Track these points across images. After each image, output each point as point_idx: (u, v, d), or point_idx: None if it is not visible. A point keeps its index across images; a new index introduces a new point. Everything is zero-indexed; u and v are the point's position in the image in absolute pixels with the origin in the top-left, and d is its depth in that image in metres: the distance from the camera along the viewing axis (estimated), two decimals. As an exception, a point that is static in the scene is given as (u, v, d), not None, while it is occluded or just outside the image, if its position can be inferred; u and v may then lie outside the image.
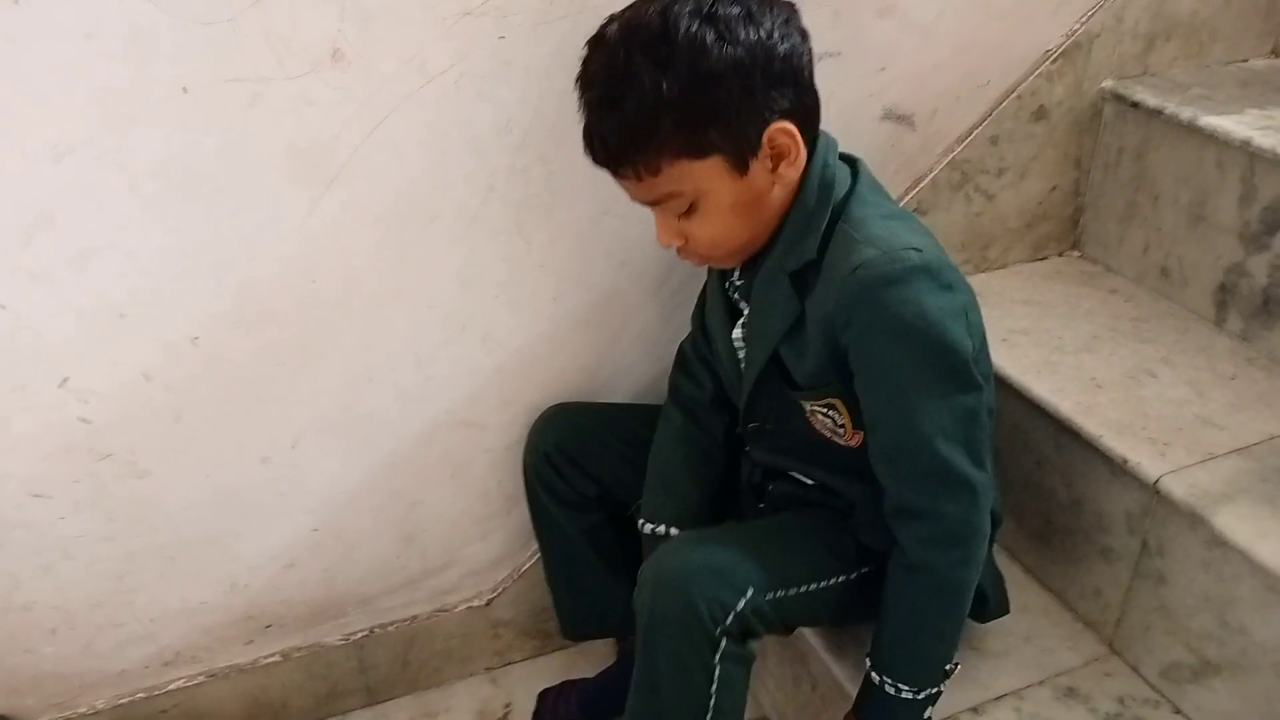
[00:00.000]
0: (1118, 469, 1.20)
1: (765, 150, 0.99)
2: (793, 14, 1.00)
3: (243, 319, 1.23)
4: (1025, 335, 1.41)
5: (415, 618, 1.58)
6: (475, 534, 1.55)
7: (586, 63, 1.00)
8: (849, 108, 1.37)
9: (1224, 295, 1.38)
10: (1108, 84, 1.49)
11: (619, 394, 1.49)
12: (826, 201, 1.04)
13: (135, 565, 1.35)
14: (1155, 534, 1.17)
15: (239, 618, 1.46)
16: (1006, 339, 1.40)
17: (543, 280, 1.35)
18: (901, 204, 1.48)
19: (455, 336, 1.34)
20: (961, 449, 1.03)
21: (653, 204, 1.04)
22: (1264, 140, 1.27)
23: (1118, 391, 1.29)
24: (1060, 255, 1.62)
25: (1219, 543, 1.08)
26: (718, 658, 1.06)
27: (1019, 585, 1.38)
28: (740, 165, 0.99)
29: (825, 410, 1.11)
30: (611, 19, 1.00)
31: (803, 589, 1.13)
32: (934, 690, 1.11)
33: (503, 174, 1.25)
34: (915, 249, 0.98)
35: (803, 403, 1.13)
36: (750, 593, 1.06)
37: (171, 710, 1.48)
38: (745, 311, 1.16)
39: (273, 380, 1.29)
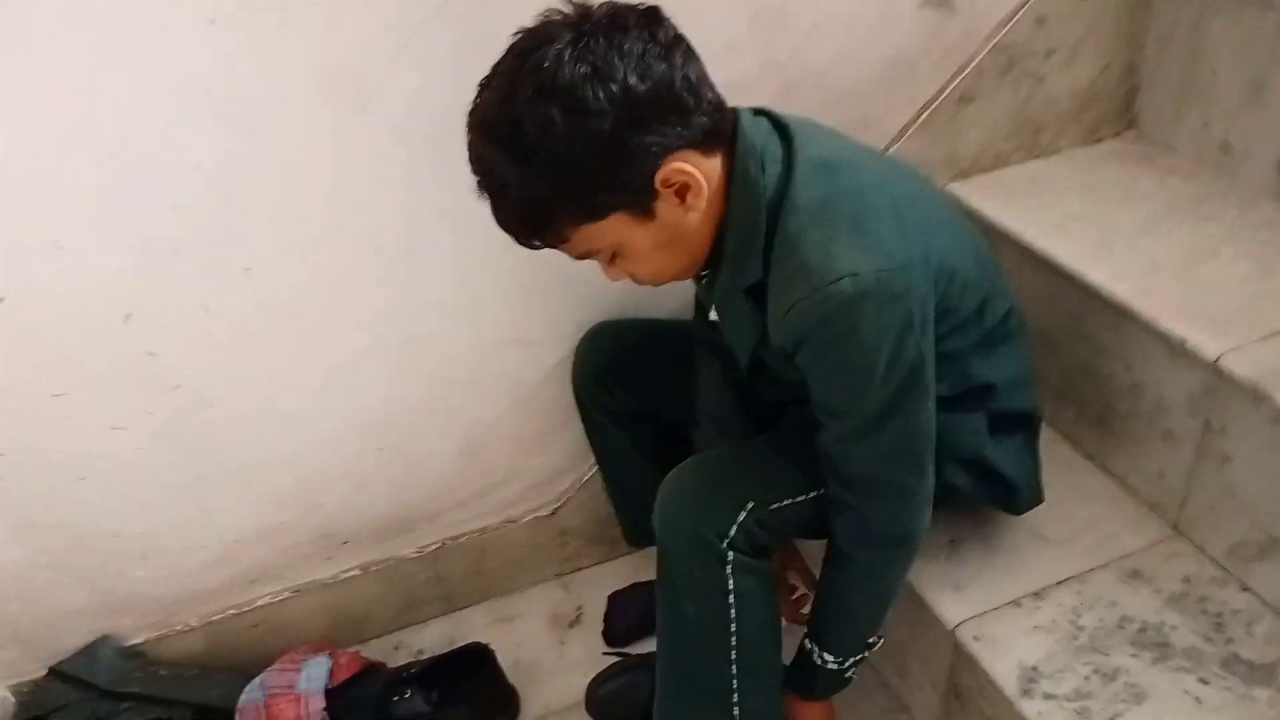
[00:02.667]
0: (1177, 349, 1.17)
1: (665, 190, 0.94)
2: (653, 34, 0.90)
3: (292, 247, 1.25)
4: (1080, 221, 1.38)
5: (484, 529, 1.62)
6: (535, 448, 1.58)
7: (468, 147, 0.95)
8: (887, -2, 1.33)
9: (1288, 167, 1.33)
10: (1162, -47, 1.42)
11: (663, 308, 1.47)
12: (758, 217, 0.98)
13: (213, 490, 1.41)
14: (1217, 413, 1.16)
15: (315, 535, 1.52)
16: (1061, 225, 1.37)
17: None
18: (944, 95, 1.43)
19: (496, 254, 1.33)
20: (898, 465, 1.04)
21: (579, 258, 1.02)
22: (1328, 0, 1.21)
23: (1176, 272, 1.26)
24: (1115, 137, 1.57)
25: (1283, 418, 1.06)
26: (729, 571, 1.08)
27: (1080, 473, 1.38)
28: (644, 212, 0.95)
29: None
30: (480, 92, 0.94)
31: (808, 496, 1.13)
32: (858, 658, 1.17)
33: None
34: (852, 273, 0.91)
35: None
36: (750, 505, 1.08)
37: (260, 625, 1.55)
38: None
39: (326, 305, 1.31)
